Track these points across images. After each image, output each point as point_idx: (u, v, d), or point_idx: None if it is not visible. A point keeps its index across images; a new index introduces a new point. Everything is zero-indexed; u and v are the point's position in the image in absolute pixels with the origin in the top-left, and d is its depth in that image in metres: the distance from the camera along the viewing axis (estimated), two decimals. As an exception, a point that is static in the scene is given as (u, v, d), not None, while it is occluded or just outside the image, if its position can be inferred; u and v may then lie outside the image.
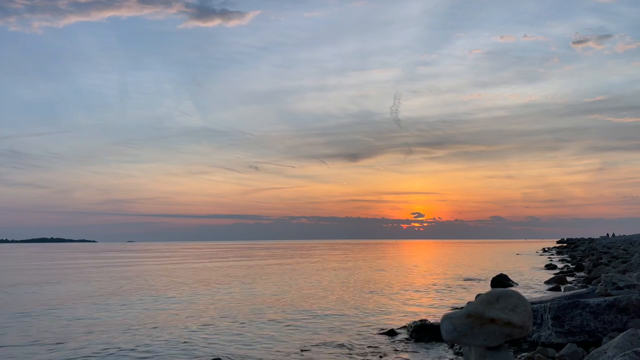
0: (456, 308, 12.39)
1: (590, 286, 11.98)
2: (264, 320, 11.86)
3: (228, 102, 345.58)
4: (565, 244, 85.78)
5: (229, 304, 14.78)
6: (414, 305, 14.18)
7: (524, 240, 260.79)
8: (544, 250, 64.52)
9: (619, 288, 7.61)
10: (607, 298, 7.15)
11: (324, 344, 9.22)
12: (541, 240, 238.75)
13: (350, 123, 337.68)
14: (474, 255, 50.76)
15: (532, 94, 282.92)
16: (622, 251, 31.91)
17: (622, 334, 5.29)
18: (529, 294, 15.44)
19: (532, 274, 24.64)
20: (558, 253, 53.74)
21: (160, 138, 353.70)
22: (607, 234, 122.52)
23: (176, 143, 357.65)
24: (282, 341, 9.49)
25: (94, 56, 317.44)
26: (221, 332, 10.43)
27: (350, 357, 8.29)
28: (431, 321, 9.78)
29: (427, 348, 8.70)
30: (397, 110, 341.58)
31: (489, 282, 19.31)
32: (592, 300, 7.15)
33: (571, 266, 29.14)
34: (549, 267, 29.80)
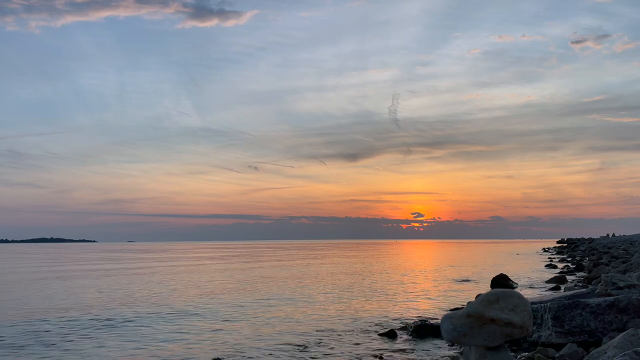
0: (456, 308, 12.40)
1: (590, 286, 11.99)
2: (263, 320, 11.87)
3: (227, 102, 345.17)
4: (565, 244, 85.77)
5: (228, 303, 14.78)
6: (414, 305, 14.18)
7: (523, 240, 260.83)
8: (544, 250, 64.54)
9: (619, 288, 7.61)
10: (607, 298, 7.16)
11: (324, 344, 9.23)
12: (541, 240, 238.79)
13: (349, 123, 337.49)
14: (474, 256, 50.77)
15: (530, 93, 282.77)
16: (622, 251, 31.92)
17: (622, 334, 5.29)
18: (529, 294, 15.44)
19: (532, 274, 24.64)
20: (558, 253, 53.76)
21: (159, 138, 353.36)
22: (607, 234, 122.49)
23: (175, 143, 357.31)
24: (282, 341, 9.48)
25: (91, 56, 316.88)
26: (220, 333, 10.43)
27: (350, 357, 8.29)
28: (431, 321, 9.79)
29: (427, 348, 8.71)
30: (395, 110, 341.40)
31: (489, 282, 19.30)
32: (592, 300, 7.15)
33: (571, 266, 29.15)
34: (549, 267, 29.81)
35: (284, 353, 8.58)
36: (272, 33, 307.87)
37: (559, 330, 7.11)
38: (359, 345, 9.08)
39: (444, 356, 8.10)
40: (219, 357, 8.26)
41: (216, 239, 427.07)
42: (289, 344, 9.20)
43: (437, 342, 8.95)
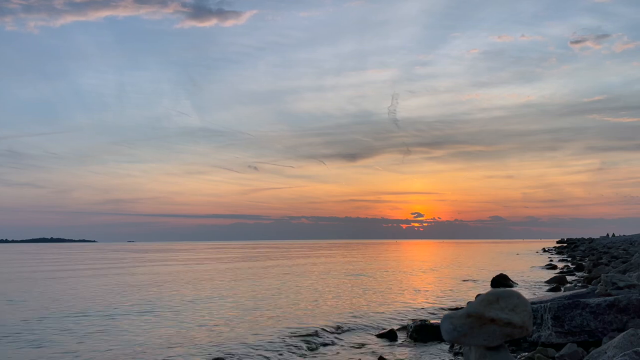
0: (456, 308, 12.40)
1: (590, 286, 11.98)
2: (265, 320, 11.87)
3: (226, 102, 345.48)
4: (565, 244, 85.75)
5: (229, 304, 14.79)
6: (413, 305, 14.18)
7: (523, 240, 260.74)
8: (544, 250, 64.53)
9: (619, 288, 7.61)
10: (607, 298, 7.16)
11: (324, 344, 9.23)
12: (541, 240, 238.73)
13: (348, 123, 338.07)
14: (474, 255, 50.77)
15: (530, 93, 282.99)
16: (622, 251, 31.91)
17: (622, 334, 5.29)
18: (529, 294, 15.44)
19: (532, 274, 24.64)
20: (558, 253, 53.75)
21: (158, 138, 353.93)
22: (607, 234, 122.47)
23: (174, 143, 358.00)
24: (282, 341, 9.49)
25: (91, 56, 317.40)
26: (221, 332, 10.43)
27: (350, 358, 8.30)
28: (431, 321, 9.79)
29: (427, 348, 8.71)
30: (394, 110, 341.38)
31: (489, 282, 19.31)
32: (592, 300, 7.15)
33: (571, 266, 29.14)
34: (549, 267, 29.80)
35: (284, 353, 8.58)
36: (271, 33, 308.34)
37: (559, 330, 7.11)
38: (358, 346, 9.08)
39: (444, 357, 8.10)
40: (220, 357, 8.26)
41: (216, 239, 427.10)
42: (289, 345, 9.20)
43: (437, 342, 8.95)
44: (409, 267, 33.22)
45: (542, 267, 29.91)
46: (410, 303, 14.62)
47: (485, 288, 18.17)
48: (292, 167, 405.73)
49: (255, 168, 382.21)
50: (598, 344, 6.58)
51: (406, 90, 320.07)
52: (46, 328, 11.14)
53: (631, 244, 44.11)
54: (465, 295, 16.08)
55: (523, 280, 20.83)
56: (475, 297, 7.52)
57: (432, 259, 46.39)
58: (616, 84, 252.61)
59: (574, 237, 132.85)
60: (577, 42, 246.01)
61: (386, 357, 8.19)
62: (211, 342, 9.51)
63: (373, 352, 8.58)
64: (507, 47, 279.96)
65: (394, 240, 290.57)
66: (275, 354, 8.54)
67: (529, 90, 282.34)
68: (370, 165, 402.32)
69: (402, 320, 11.42)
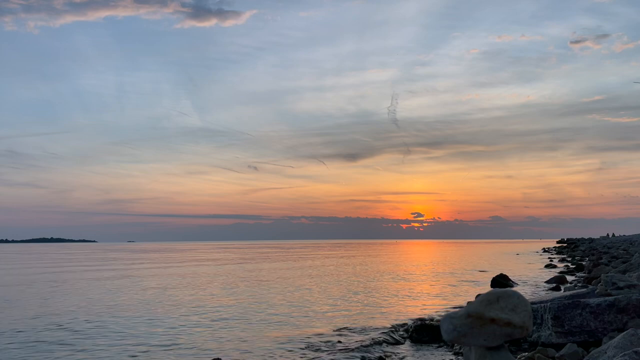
0: (456, 308, 12.39)
1: (590, 286, 11.98)
2: (264, 320, 11.87)
3: (226, 102, 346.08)
4: (565, 244, 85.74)
5: (228, 305, 14.79)
6: (413, 305, 14.18)
7: (523, 240, 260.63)
8: (544, 250, 64.53)
9: (619, 288, 7.61)
10: (607, 298, 7.16)
11: (324, 344, 9.22)
12: (541, 240, 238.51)
13: (348, 123, 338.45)
14: (473, 256, 50.75)
15: (529, 93, 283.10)
16: (622, 251, 31.90)
17: (622, 334, 5.28)
18: (529, 294, 15.44)
19: (532, 274, 24.64)
20: (558, 253, 53.75)
21: (158, 138, 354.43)
22: (607, 234, 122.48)
23: (175, 143, 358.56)
24: (282, 342, 9.49)
25: (90, 56, 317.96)
26: (221, 333, 10.43)
27: (350, 358, 8.29)
28: (431, 321, 9.79)
29: (427, 348, 8.71)
30: (394, 110, 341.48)
31: (489, 282, 19.30)
32: (592, 300, 7.15)
33: (571, 266, 29.15)
34: (549, 267, 29.81)
35: (283, 353, 8.58)
36: (271, 33, 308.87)
37: (559, 330, 7.11)
38: (358, 346, 9.07)
39: (444, 357, 8.10)
40: (220, 357, 8.26)
41: (216, 239, 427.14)
42: (289, 345, 9.19)
43: (437, 342, 8.95)
44: (409, 267, 33.21)
45: (542, 267, 29.92)
46: (410, 303, 14.62)
47: (485, 288, 18.16)
48: (292, 167, 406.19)
49: (255, 168, 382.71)
50: (598, 344, 6.58)
51: (406, 90, 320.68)
52: (44, 328, 11.15)
53: (631, 244, 44.11)
54: (465, 295, 16.08)
55: (523, 280, 20.82)
56: (475, 297, 7.52)
57: (432, 259, 46.39)
58: (615, 83, 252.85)
59: (574, 237, 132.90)
60: (576, 42, 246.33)
61: (386, 357, 8.19)
62: (211, 343, 9.51)
63: (373, 352, 8.57)
64: (507, 47, 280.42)
65: (393, 240, 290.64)
66: (275, 354, 8.54)
67: (529, 90, 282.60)
68: (370, 165, 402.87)
69: (402, 320, 11.42)
